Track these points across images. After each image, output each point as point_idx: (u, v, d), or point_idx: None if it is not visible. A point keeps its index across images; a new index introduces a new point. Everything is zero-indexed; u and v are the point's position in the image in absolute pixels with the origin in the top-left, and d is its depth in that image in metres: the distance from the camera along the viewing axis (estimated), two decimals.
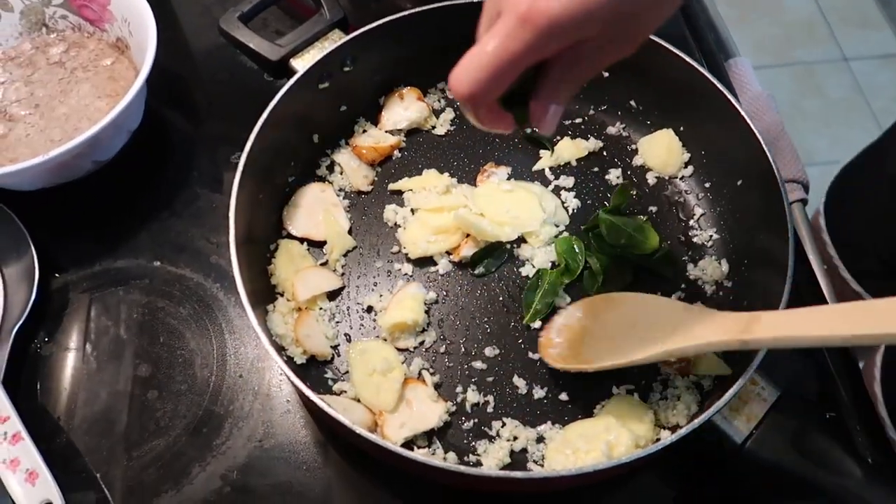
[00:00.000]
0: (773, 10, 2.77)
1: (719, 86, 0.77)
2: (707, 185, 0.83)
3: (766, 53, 2.66)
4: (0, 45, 0.90)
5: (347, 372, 0.72)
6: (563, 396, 0.71)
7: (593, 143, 0.86)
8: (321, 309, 0.75)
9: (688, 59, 0.79)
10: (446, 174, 0.83)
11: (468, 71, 0.46)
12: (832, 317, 0.55)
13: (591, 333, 0.71)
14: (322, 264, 0.78)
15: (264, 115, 0.75)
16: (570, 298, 0.76)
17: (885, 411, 0.85)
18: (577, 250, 0.77)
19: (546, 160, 0.85)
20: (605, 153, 0.86)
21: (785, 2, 2.80)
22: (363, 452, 0.68)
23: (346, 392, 0.71)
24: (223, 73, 0.96)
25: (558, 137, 0.86)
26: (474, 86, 0.46)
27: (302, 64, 0.80)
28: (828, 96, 2.56)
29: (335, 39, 0.82)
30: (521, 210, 0.79)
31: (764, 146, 0.73)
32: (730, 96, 0.76)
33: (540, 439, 0.69)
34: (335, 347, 0.74)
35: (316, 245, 0.80)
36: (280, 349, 0.71)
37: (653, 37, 0.80)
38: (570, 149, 0.85)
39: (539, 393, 0.71)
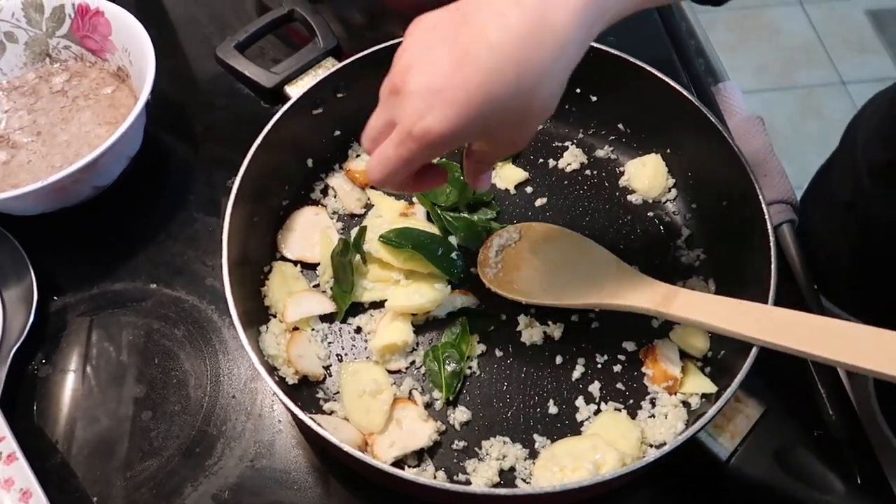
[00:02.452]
0: (773, 35, 2.81)
1: (704, 109, 0.79)
2: (693, 206, 0.84)
3: (767, 77, 2.69)
4: (5, 74, 0.92)
5: (338, 392, 0.73)
6: (552, 409, 0.72)
7: (578, 163, 0.88)
8: (314, 330, 0.76)
9: (673, 83, 0.81)
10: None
11: (376, 170, 0.57)
12: (739, 314, 0.62)
13: (529, 263, 0.75)
14: (315, 286, 0.80)
15: (258, 140, 0.77)
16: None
17: (887, 426, 0.85)
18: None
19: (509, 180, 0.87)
20: (590, 173, 0.88)
21: (783, 26, 2.84)
22: (354, 472, 0.69)
23: (336, 412, 0.72)
24: (221, 99, 0.99)
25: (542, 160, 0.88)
26: (385, 179, 0.57)
27: (296, 90, 0.82)
28: (827, 119, 2.58)
29: (329, 67, 0.84)
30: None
31: (748, 168, 0.75)
32: (714, 120, 0.78)
33: (529, 455, 0.70)
34: (327, 368, 0.75)
35: (309, 267, 0.81)
36: (272, 370, 0.72)
37: (639, 62, 0.82)
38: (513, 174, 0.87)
39: (528, 406, 0.72)
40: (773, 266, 0.69)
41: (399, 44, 0.83)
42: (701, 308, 0.65)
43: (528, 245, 0.78)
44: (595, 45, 0.83)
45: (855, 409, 0.74)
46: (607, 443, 0.67)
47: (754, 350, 0.62)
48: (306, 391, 0.73)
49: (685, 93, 0.80)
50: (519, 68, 0.50)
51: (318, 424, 0.63)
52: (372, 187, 0.86)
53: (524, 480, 0.68)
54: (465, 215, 0.82)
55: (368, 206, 0.85)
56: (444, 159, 0.87)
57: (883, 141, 0.90)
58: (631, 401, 0.73)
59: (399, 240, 0.76)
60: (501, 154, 0.64)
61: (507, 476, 0.69)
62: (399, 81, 0.54)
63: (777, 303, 0.67)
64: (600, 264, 0.73)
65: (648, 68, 0.82)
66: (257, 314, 0.76)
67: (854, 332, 0.56)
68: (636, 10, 0.56)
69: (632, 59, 0.82)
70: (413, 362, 0.75)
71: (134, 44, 0.87)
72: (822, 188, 1.08)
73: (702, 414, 0.64)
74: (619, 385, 0.74)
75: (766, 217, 0.72)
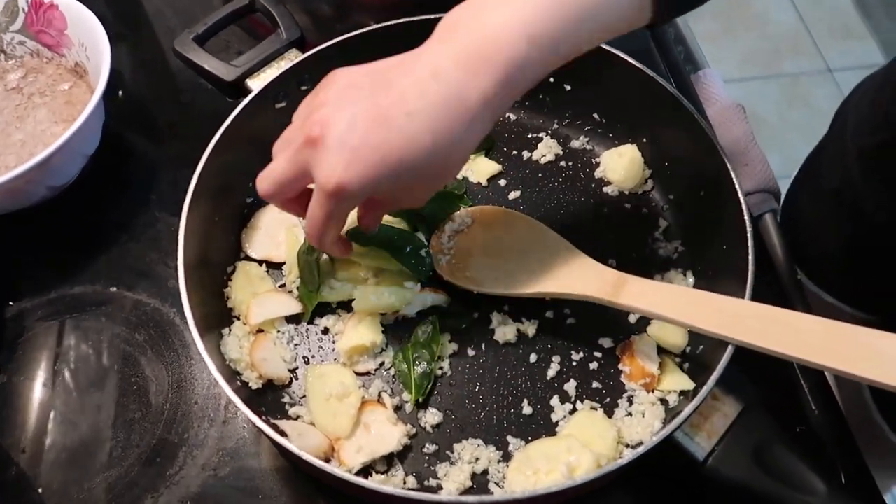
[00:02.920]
0: (758, 24, 2.79)
1: (680, 98, 0.76)
2: (671, 196, 0.81)
3: (753, 66, 2.67)
4: None
5: (305, 396, 0.70)
6: (527, 409, 0.70)
7: (553, 155, 0.85)
8: (279, 332, 0.74)
9: (649, 71, 0.78)
10: None
11: (313, 235, 0.63)
12: (686, 303, 0.63)
13: (482, 249, 0.75)
14: (280, 286, 0.77)
15: (217, 136, 0.74)
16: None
17: (881, 417, 0.83)
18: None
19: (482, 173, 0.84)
20: (565, 164, 0.85)
21: (769, 15, 2.82)
22: (320, 479, 0.66)
23: (302, 417, 0.69)
24: (185, 94, 0.96)
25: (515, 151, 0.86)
26: (319, 238, 0.63)
27: (258, 84, 0.79)
28: (814, 107, 2.57)
29: (292, 59, 0.81)
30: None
31: (725, 158, 0.72)
32: (691, 109, 0.76)
33: (503, 458, 0.68)
34: (293, 371, 0.72)
35: (275, 266, 0.78)
36: (234, 374, 0.69)
37: (615, 50, 0.80)
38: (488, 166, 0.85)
39: (501, 407, 0.70)
40: (750, 257, 0.67)
41: (364, 34, 0.81)
42: (649, 297, 0.64)
43: (481, 230, 0.76)
44: None
45: (839, 403, 0.72)
46: (582, 444, 0.64)
47: (731, 347, 0.60)
48: (271, 396, 0.71)
49: (661, 81, 0.78)
50: (435, 136, 0.54)
51: (280, 433, 0.61)
52: None
53: (497, 484, 0.66)
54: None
55: None
56: None
57: (871, 126, 0.88)
58: (608, 399, 0.71)
59: (365, 237, 0.73)
60: (401, 206, 0.72)
61: (479, 480, 0.67)
62: (316, 133, 0.56)
63: (757, 294, 0.65)
64: (551, 250, 0.72)
65: (624, 56, 0.79)
66: (219, 317, 0.73)
67: (806, 324, 0.55)
68: (553, 68, 0.59)
69: (606, 48, 0.79)
70: (382, 363, 0.73)
71: (90, 38, 0.84)
72: (811, 175, 1.06)
73: (679, 412, 0.61)
74: (595, 383, 0.71)
75: (744, 207, 0.70)
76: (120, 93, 0.96)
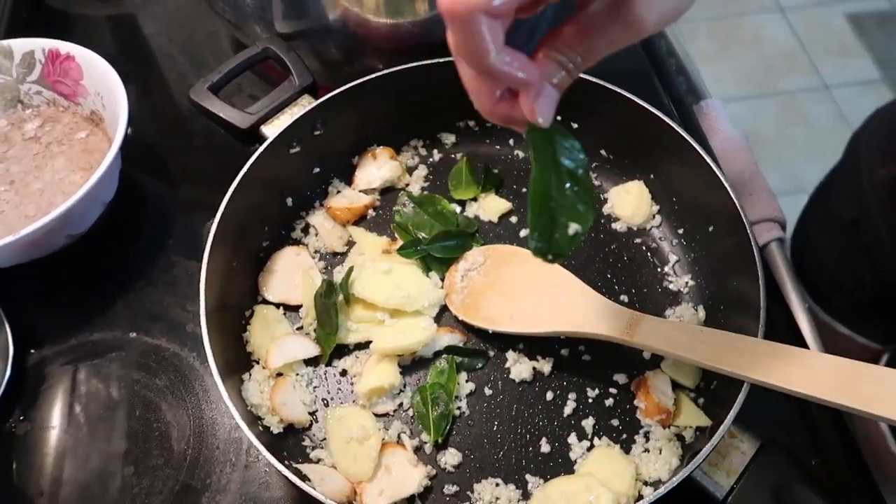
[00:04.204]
0: (754, 43, 2.82)
1: (684, 134, 0.78)
2: (680, 231, 0.83)
3: (750, 85, 2.70)
4: None
5: (325, 439, 0.71)
6: (545, 448, 0.71)
7: None
8: (298, 375, 0.75)
9: (652, 109, 0.80)
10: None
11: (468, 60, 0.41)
12: (699, 342, 0.63)
13: (494, 288, 0.76)
14: (298, 328, 0.78)
15: (235, 183, 0.75)
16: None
17: None
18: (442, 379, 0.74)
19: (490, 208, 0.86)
20: None
21: (764, 34, 2.85)
22: None
23: (323, 460, 0.70)
24: (198, 139, 0.97)
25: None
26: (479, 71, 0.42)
27: (272, 130, 0.81)
28: (812, 124, 2.59)
29: (304, 105, 0.83)
30: (410, 285, 0.77)
31: (729, 191, 0.74)
32: (695, 144, 0.77)
33: (522, 496, 0.68)
34: (313, 413, 0.73)
35: (292, 309, 0.80)
36: (256, 419, 0.70)
37: (618, 88, 0.81)
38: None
39: (519, 445, 0.71)
40: (762, 290, 0.68)
41: (375, 79, 0.83)
42: (663, 335, 0.65)
43: (493, 268, 0.78)
44: None
45: (853, 435, 0.73)
46: (601, 482, 0.65)
47: (746, 384, 0.61)
48: (292, 439, 0.72)
49: (664, 118, 0.79)
50: None
51: (303, 477, 0.61)
52: (354, 224, 0.85)
53: None
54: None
55: (350, 244, 0.84)
56: (429, 193, 0.86)
57: (885, 157, 0.89)
58: (624, 435, 0.71)
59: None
60: (611, 38, 0.45)
61: None
62: None
63: (769, 324, 0.66)
64: (564, 289, 0.73)
65: (627, 94, 0.81)
66: (239, 362, 0.74)
67: (821, 362, 0.56)
68: None
69: (610, 86, 0.81)
70: (401, 404, 0.73)
71: (106, 87, 0.86)
72: (822, 207, 1.08)
73: (697, 450, 0.62)
74: (611, 419, 0.72)
75: (752, 240, 0.71)
76: (129, 131, 0.97)
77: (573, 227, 0.51)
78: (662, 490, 0.58)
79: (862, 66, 2.75)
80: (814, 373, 0.56)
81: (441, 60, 0.82)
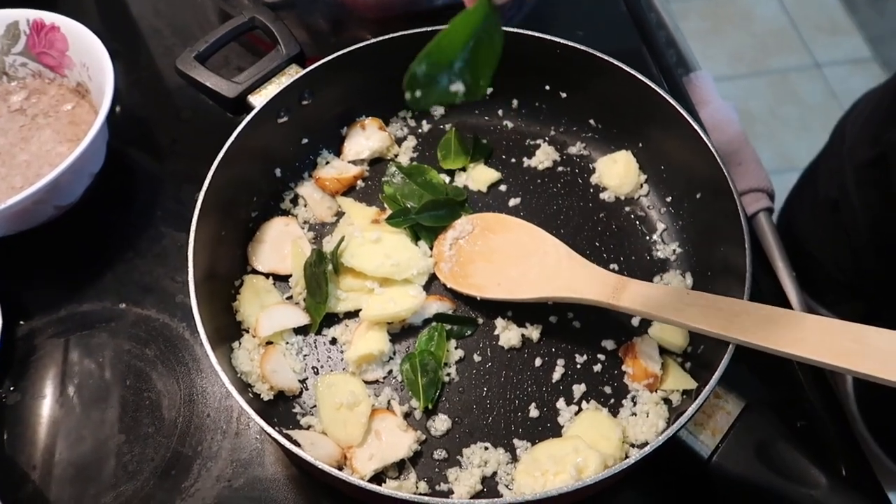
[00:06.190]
0: (745, 21, 2.82)
1: (673, 102, 0.78)
2: (668, 199, 0.83)
3: (742, 64, 2.70)
4: None
5: (315, 406, 0.72)
6: (533, 412, 0.71)
7: (551, 161, 0.87)
8: (288, 343, 0.75)
9: (641, 77, 0.80)
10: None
11: None
12: (684, 304, 0.63)
13: (482, 255, 0.77)
14: (287, 298, 0.78)
15: (221, 153, 0.75)
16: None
17: (865, 428, 0.85)
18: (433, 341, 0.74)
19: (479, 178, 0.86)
20: (563, 170, 0.87)
21: (756, 12, 2.85)
22: (334, 487, 0.68)
23: (313, 426, 0.70)
24: (186, 111, 0.97)
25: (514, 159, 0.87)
26: None
27: (259, 100, 0.80)
28: (803, 103, 2.59)
29: (292, 74, 0.82)
30: (399, 254, 0.77)
31: (719, 160, 0.74)
32: (684, 112, 0.77)
33: (511, 460, 0.69)
34: (303, 381, 0.74)
35: (281, 279, 0.80)
36: (246, 387, 0.70)
37: (607, 57, 0.81)
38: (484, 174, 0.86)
39: (508, 410, 0.71)
40: (748, 256, 0.69)
41: (363, 48, 0.83)
42: (649, 299, 0.66)
43: (482, 237, 0.78)
44: (562, 41, 0.82)
45: (837, 398, 0.74)
46: (588, 444, 0.66)
47: (731, 346, 0.62)
48: (282, 406, 0.72)
49: (653, 86, 0.79)
50: None
51: (294, 442, 0.62)
52: (343, 194, 0.85)
53: (507, 486, 0.67)
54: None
55: (339, 214, 0.84)
56: (418, 164, 0.86)
57: (867, 141, 0.90)
58: (612, 400, 0.72)
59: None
60: None
61: (489, 483, 0.68)
62: None
63: (756, 293, 0.67)
64: (551, 254, 0.74)
65: (616, 63, 0.81)
66: (229, 330, 0.74)
67: (802, 321, 0.57)
68: None
69: (599, 55, 0.81)
70: (390, 371, 0.74)
71: (92, 59, 0.85)
72: (809, 188, 1.09)
73: (683, 411, 0.63)
74: (599, 385, 0.73)
75: (740, 208, 0.72)
76: (118, 108, 0.97)
77: (455, 86, 0.51)
78: (648, 449, 0.59)
79: (853, 43, 2.75)
80: (796, 332, 0.57)
81: (429, 29, 0.81)
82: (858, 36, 2.77)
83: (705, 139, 0.75)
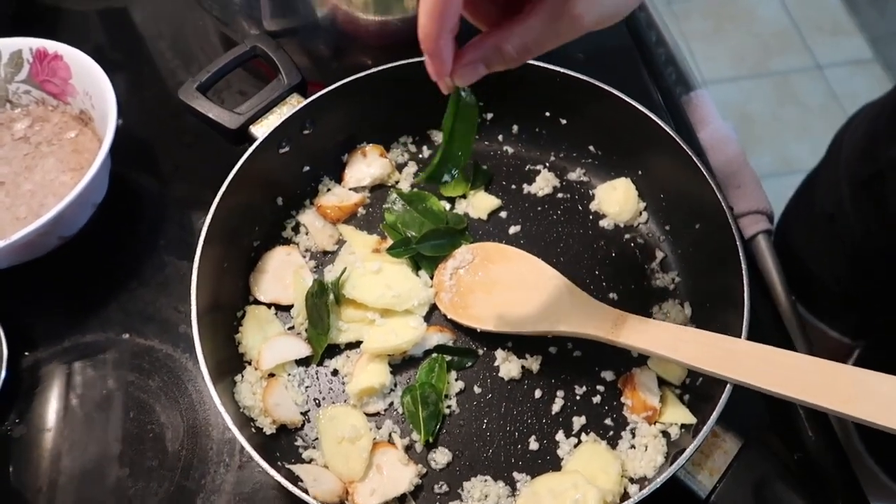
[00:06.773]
0: (747, 22, 2.81)
1: (671, 132, 0.78)
2: (667, 227, 0.84)
3: (743, 65, 2.70)
4: None
5: (318, 438, 0.72)
6: (533, 445, 0.72)
7: (551, 187, 0.88)
8: (290, 375, 0.76)
9: (638, 106, 0.80)
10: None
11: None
12: (682, 342, 0.65)
13: (482, 286, 0.77)
14: (289, 328, 0.79)
15: (225, 184, 0.76)
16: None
17: (861, 444, 0.85)
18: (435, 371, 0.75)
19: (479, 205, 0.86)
20: (562, 197, 0.87)
21: (757, 12, 2.84)
22: None
23: (315, 460, 0.71)
24: (189, 136, 0.97)
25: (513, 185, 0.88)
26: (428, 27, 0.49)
27: (262, 130, 0.81)
28: (805, 104, 2.59)
29: (294, 104, 0.83)
30: (400, 285, 0.78)
31: (714, 188, 0.74)
32: (681, 141, 0.78)
33: (511, 493, 0.70)
34: (305, 413, 0.74)
35: (283, 309, 0.80)
36: (248, 421, 0.71)
37: (605, 86, 0.82)
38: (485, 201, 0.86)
39: (508, 443, 0.72)
40: (745, 285, 0.69)
41: (364, 77, 0.83)
42: (647, 335, 0.67)
43: (482, 266, 0.79)
44: (562, 69, 0.83)
45: (835, 431, 0.74)
46: (587, 480, 0.66)
47: (729, 384, 0.62)
48: (285, 440, 0.73)
49: (653, 116, 0.80)
50: None
51: (295, 479, 0.63)
52: (344, 222, 0.86)
53: None
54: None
55: (340, 243, 0.85)
56: (419, 190, 0.86)
57: (863, 155, 0.90)
58: (611, 432, 0.73)
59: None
60: (545, 40, 0.51)
61: None
62: None
63: (754, 319, 0.67)
64: (551, 288, 0.74)
65: (614, 91, 0.81)
66: (231, 363, 0.75)
67: (803, 364, 0.57)
68: None
69: (597, 83, 0.82)
70: (391, 403, 0.75)
71: (94, 87, 0.86)
72: (805, 201, 1.09)
73: (682, 447, 0.64)
74: (598, 416, 0.74)
75: (737, 237, 0.72)
76: (120, 121, 0.97)
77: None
78: (647, 490, 0.60)
79: (854, 45, 2.74)
80: (794, 374, 0.57)
81: None
82: (860, 37, 2.77)
83: (701, 167, 0.76)
